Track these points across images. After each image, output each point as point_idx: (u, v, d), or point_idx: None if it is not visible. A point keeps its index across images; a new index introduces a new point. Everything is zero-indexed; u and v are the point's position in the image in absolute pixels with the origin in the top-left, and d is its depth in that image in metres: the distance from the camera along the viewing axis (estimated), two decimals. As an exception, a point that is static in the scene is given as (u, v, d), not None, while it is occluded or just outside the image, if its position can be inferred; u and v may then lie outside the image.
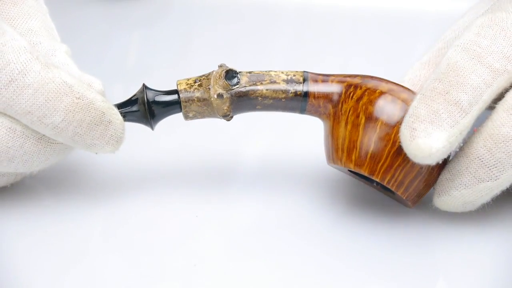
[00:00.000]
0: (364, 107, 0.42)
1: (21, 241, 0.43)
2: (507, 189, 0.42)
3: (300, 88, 0.43)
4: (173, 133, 0.50)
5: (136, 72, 0.58)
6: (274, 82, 0.43)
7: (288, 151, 0.50)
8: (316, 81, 0.43)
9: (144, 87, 0.44)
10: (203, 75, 0.44)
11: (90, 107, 0.41)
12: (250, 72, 0.43)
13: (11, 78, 0.40)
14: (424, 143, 0.39)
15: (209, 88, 0.43)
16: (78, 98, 0.41)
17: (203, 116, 0.44)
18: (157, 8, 0.65)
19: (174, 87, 0.44)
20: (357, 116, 0.42)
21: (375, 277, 0.42)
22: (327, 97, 0.43)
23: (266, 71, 0.43)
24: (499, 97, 0.42)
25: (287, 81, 0.43)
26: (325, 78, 0.43)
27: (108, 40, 0.62)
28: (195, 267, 0.42)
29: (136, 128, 0.46)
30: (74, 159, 0.48)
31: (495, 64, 0.41)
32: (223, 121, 0.46)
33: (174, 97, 0.43)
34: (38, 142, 0.42)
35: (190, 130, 0.50)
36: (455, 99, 0.40)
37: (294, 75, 0.43)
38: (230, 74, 0.43)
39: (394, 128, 0.41)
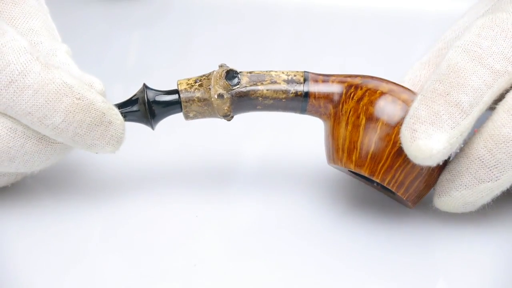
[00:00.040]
0: (364, 108, 0.42)
1: (21, 241, 0.43)
2: (507, 189, 0.42)
3: (301, 88, 0.43)
4: (173, 133, 0.50)
5: (136, 72, 0.58)
6: (275, 82, 0.43)
7: (288, 151, 0.50)
8: (316, 81, 0.43)
9: (145, 86, 0.44)
10: (203, 75, 0.44)
11: (91, 108, 0.41)
12: (250, 72, 0.43)
13: (11, 79, 0.40)
14: (425, 144, 0.39)
15: (210, 88, 0.43)
16: (78, 99, 0.41)
17: (203, 116, 0.44)
18: (157, 8, 0.65)
19: (174, 87, 0.44)
20: (358, 117, 0.42)
21: (375, 277, 0.42)
22: (327, 97, 0.43)
23: (266, 71, 0.43)
24: (500, 98, 0.42)
25: (288, 81, 0.43)
26: (325, 78, 0.43)
27: (108, 40, 0.62)
28: (195, 267, 0.42)
29: (136, 128, 0.46)
30: (74, 159, 0.48)
31: (496, 65, 0.41)
32: (223, 121, 0.46)
33: (174, 97, 0.43)
34: (39, 142, 0.42)
35: (190, 130, 0.50)
36: (455, 100, 0.40)
37: (295, 75, 0.43)
38: (230, 74, 0.43)
39: (394, 129, 0.41)
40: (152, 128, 0.44)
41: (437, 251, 0.43)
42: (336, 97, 0.43)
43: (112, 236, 0.44)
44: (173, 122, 0.46)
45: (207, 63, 0.48)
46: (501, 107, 0.41)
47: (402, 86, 0.42)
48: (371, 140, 0.41)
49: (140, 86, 0.44)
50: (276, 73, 0.43)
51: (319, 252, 0.43)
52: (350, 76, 0.43)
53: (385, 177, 0.41)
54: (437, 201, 0.43)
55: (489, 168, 0.41)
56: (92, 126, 0.42)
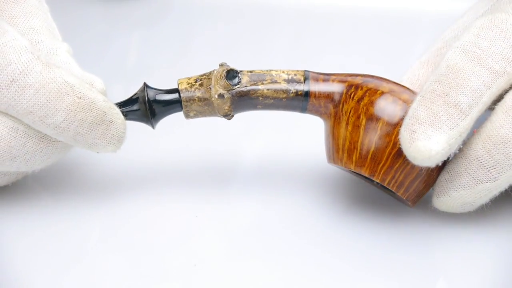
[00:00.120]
0: (365, 108, 0.42)
1: (21, 241, 0.43)
2: (505, 190, 0.42)
3: (301, 87, 0.43)
4: (173, 133, 0.50)
5: (136, 72, 0.58)
6: (275, 81, 0.43)
7: (288, 150, 0.50)
8: (317, 80, 0.43)
9: (145, 85, 0.44)
10: (204, 74, 0.44)
11: (92, 107, 0.41)
12: (251, 72, 0.43)
13: (13, 78, 0.40)
14: (424, 145, 0.39)
15: (210, 88, 0.43)
16: (80, 98, 0.41)
17: (204, 115, 0.44)
18: (157, 8, 0.65)
19: (174, 87, 0.44)
20: (358, 117, 0.42)
21: (375, 277, 0.42)
22: (328, 97, 0.43)
23: (267, 70, 0.43)
24: (499, 98, 0.42)
25: (288, 81, 0.43)
26: (326, 77, 0.43)
27: (108, 40, 0.62)
28: (195, 267, 0.42)
29: (136, 128, 0.46)
30: (73, 159, 0.48)
31: (495, 65, 0.41)
32: (223, 120, 0.46)
33: (175, 96, 0.43)
34: (40, 141, 0.42)
35: (190, 130, 0.50)
36: (454, 101, 0.40)
37: (295, 75, 0.43)
38: (231, 74, 0.43)
39: (394, 129, 0.41)
40: (153, 127, 0.44)
41: (437, 251, 0.43)
42: (336, 97, 0.43)
43: (112, 236, 0.44)
44: (173, 121, 0.46)
45: (207, 63, 0.48)
46: (500, 107, 0.41)
47: (403, 86, 0.42)
48: (371, 140, 0.41)
49: (140, 86, 0.44)
50: (276, 72, 0.43)
51: (319, 252, 0.43)
52: (350, 75, 0.43)
53: (385, 177, 0.41)
54: (436, 201, 0.43)
55: (487, 168, 0.41)
56: (93, 125, 0.42)
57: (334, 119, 0.43)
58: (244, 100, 0.43)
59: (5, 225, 0.44)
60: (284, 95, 0.43)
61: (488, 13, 0.43)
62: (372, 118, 0.41)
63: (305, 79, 0.43)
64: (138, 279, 0.41)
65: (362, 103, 0.42)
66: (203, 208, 0.45)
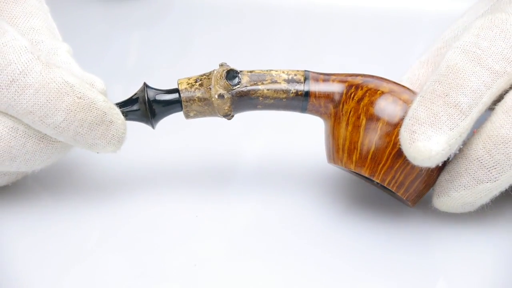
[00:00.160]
0: (365, 108, 0.42)
1: (21, 241, 0.43)
2: (506, 190, 0.42)
3: (301, 87, 0.43)
4: (173, 133, 0.50)
5: (136, 72, 0.58)
6: (275, 82, 0.43)
7: (288, 150, 0.50)
8: (317, 80, 0.43)
9: (145, 85, 0.44)
10: (204, 74, 0.44)
11: (92, 107, 0.41)
12: (251, 72, 0.43)
13: (12, 78, 0.40)
14: (424, 146, 0.39)
15: (210, 88, 0.43)
16: (80, 98, 0.41)
17: (204, 115, 0.44)
18: (157, 8, 0.65)
19: (174, 87, 0.44)
20: (358, 118, 0.42)
21: (375, 276, 0.42)
22: (328, 97, 0.43)
23: (267, 70, 0.43)
24: (499, 99, 0.42)
25: (288, 81, 0.43)
26: (326, 77, 0.43)
27: (108, 40, 0.62)
28: (195, 267, 0.42)
29: (135, 128, 0.46)
30: (73, 159, 0.48)
31: (495, 66, 0.41)
32: (223, 120, 0.46)
33: (175, 96, 0.43)
34: (40, 141, 0.42)
35: (190, 130, 0.50)
36: (454, 102, 0.40)
37: (295, 75, 0.43)
38: (231, 74, 0.43)
39: (395, 130, 0.41)
40: (153, 127, 0.44)
41: (437, 251, 0.43)
42: (336, 97, 0.43)
43: (112, 236, 0.44)
44: (172, 122, 0.46)
45: (207, 63, 0.48)
46: (500, 108, 0.41)
47: (403, 86, 0.42)
48: (372, 141, 0.41)
49: (140, 86, 0.44)
50: (276, 72, 0.43)
51: (319, 252, 0.43)
52: (351, 75, 0.43)
53: (385, 177, 0.41)
54: (436, 201, 0.43)
55: (487, 169, 0.41)
56: (93, 125, 0.42)
57: (334, 119, 0.43)
58: (244, 100, 0.43)
59: (5, 225, 0.44)
60: (284, 95, 0.43)
61: (488, 13, 0.43)
62: (372, 118, 0.41)
63: (305, 79, 0.43)
64: (138, 279, 0.41)
65: (362, 103, 0.42)
66: (203, 208, 0.46)
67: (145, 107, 0.43)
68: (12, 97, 0.40)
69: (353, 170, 0.42)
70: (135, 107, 0.44)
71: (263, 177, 0.48)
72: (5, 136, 0.41)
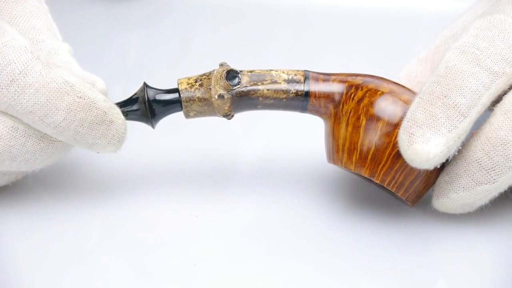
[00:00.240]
0: (365, 109, 0.42)
1: (21, 241, 0.43)
2: (505, 191, 0.42)
3: (301, 88, 0.43)
4: (173, 133, 0.50)
5: (136, 72, 0.58)
6: (275, 82, 0.43)
7: (288, 150, 0.50)
8: (317, 80, 0.43)
9: (145, 85, 0.44)
10: (204, 74, 0.44)
11: (92, 107, 0.41)
12: (251, 72, 0.43)
13: (12, 78, 0.40)
14: (422, 148, 0.39)
15: (210, 88, 0.43)
16: (80, 97, 0.41)
17: (204, 115, 0.44)
18: (157, 8, 0.65)
19: (174, 87, 0.44)
20: (358, 118, 0.42)
21: (375, 277, 0.42)
22: (328, 97, 0.43)
23: (267, 70, 0.43)
24: (498, 100, 0.42)
25: (288, 81, 0.43)
26: (326, 77, 0.43)
27: (108, 40, 0.62)
28: (195, 267, 0.42)
29: (135, 128, 0.46)
30: (73, 159, 0.48)
31: (494, 66, 0.41)
32: (223, 120, 0.46)
33: (175, 95, 0.43)
34: (40, 140, 0.42)
35: (190, 130, 0.50)
36: (453, 103, 0.40)
37: (295, 75, 0.43)
38: (231, 74, 0.43)
39: (395, 130, 0.41)
40: (153, 127, 0.44)
41: (437, 251, 0.43)
42: (336, 97, 0.43)
43: (112, 236, 0.44)
44: (172, 122, 0.46)
45: (207, 63, 0.48)
46: (499, 109, 0.41)
47: (403, 87, 0.42)
48: (371, 141, 0.41)
49: (140, 86, 0.44)
50: (276, 72, 0.43)
51: (319, 252, 0.43)
52: (351, 75, 0.43)
53: (385, 178, 0.41)
54: (436, 202, 0.43)
55: (486, 170, 0.41)
56: (94, 125, 0.42)
57: (334, 119, 0.43)
58: (244, 100, 0.43)
59: (5, 225, 0.44)
60: (284, 95, 0.43)
61: (487, 13, 0.43)
62: (372, 118, 0.41)
63: (305, 79, 0.43)
64: (138, 279, 0.41)
65: (362, 103, 0.42)
66: (203, 208, 0.46)
67: (145, 107, 0.43)
68: (12, 96, 0.40)
69: (353, 171, 0.42)
70: (135, 107, 0.44)
71: (263, 177, 0.48)
72: (5, 135, 0.41)
